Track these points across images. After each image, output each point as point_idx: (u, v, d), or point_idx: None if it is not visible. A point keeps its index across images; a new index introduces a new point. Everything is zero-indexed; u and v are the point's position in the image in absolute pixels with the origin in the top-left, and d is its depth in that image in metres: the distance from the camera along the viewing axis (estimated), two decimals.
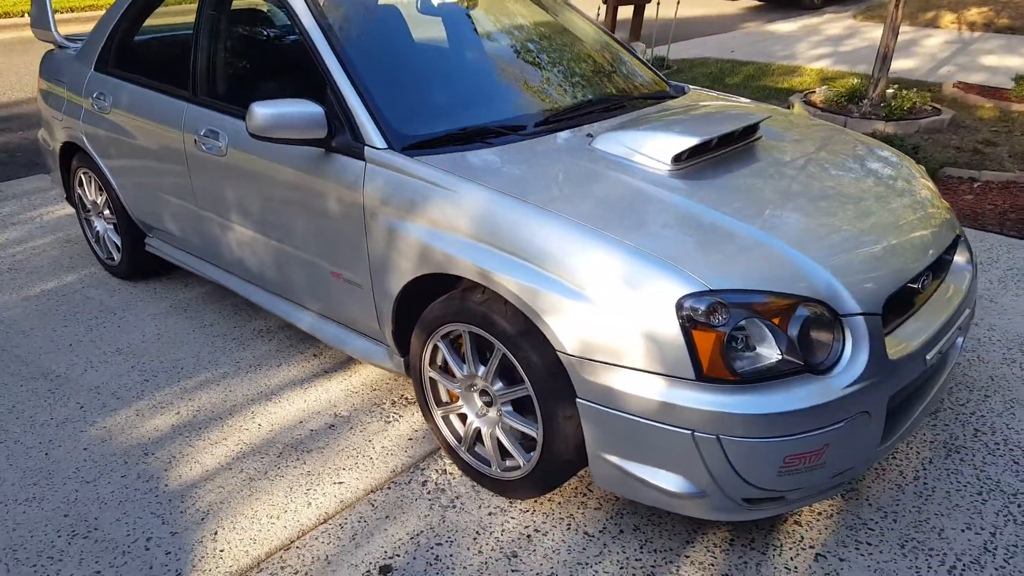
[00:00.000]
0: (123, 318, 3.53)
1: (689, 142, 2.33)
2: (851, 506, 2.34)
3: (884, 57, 5.90)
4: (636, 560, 2.14)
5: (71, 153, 3.83)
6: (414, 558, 2.16)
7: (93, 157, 3.58)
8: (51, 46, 3.94)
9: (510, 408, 2.27)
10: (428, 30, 2.87)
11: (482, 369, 2.27)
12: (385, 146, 2.38)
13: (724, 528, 2.26)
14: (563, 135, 2.53)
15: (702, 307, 1.85)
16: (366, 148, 2.40)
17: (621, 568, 2.11)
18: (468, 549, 2.19)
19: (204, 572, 2.13)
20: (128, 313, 3.57)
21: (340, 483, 2.46)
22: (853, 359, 1.93)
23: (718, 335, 1.84)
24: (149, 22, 3.58)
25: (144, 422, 2.79)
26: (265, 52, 2.91)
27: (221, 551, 2.21)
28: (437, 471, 2.51)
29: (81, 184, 3.85)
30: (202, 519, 2.33)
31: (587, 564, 2.13)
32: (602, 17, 8.01)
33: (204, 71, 3.00)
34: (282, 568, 2.14)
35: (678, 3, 9.23)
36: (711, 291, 1.86)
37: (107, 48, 3.51)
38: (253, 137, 2.39)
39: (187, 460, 2.59)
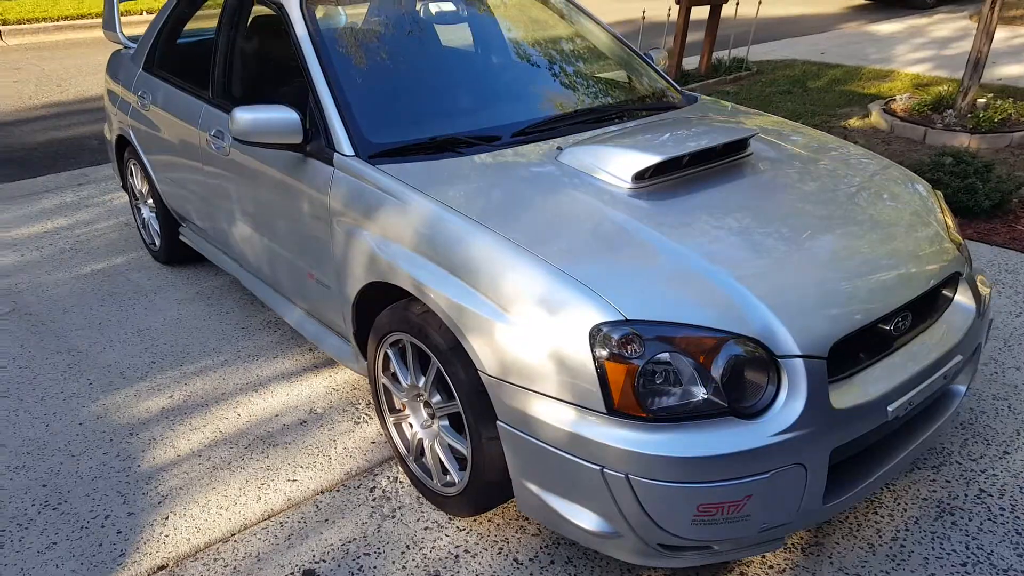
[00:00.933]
0: (152, 301, 3.71)
1: (651, 160, 2.22)
2: (810, 562, 2.16)
3: (976, 63, 5.42)
4: None
5: (124, 145, 4.06)
6: (339, 565, 2.16)
7: (137, 150, 3.79)
8: (119, 46, 4.20)
9: (447, 423, 2.24)
10: (422, 41, 2.86)
11: (423, 380, 2.25)
12: (352, 153, 2.39)
13: (660, 571, 2.14)
14: (534, 147, 2.46)
15: (616, 337, 1.75)
16: (335, 154, 2.42)
17: None
18: (393, 563, 2.17)
19: (145, 555, 2.21)
20: (158, 297, 3.76)
21: (294, 481, 2.50)
22: (787, 405, 1.78)
23: (631, 368, 1.74)
24: (193, 26, 3.75)
25: (138, 403, 2.93)
26: (269, 59, 2.99)
27: (166, 536, 2.28)
28: (388, 478, 2.50)
29: (131, 174, 4.09)
30: (159, 503, 2.42)
31: None
32: (674, 17, 7.77)
33: (219, 74, 3.11)
34: (215, 560, 2.19)
35: (759, 2, 8.84)
36: (627, 321, 1.76)
37: (152, 50, 3.70)
38: (236, 140, 2.45)
39: (164, 443, 2.69)
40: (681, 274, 1.88)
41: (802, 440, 1.77)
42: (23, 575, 2.15)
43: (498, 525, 2.30)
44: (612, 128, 2.63)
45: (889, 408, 1.90)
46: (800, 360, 1.78)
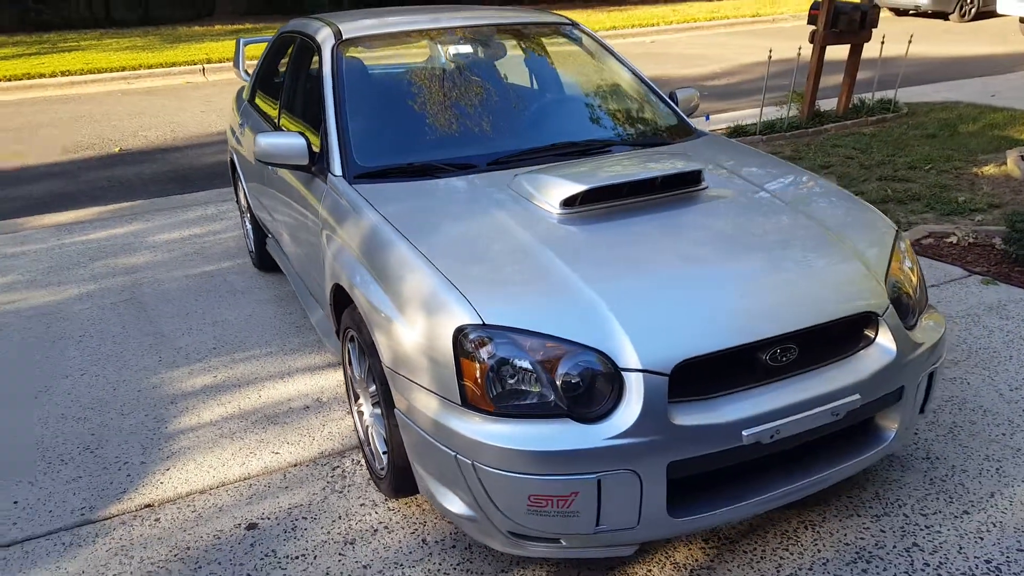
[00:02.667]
0: (237, 300, 4.31)
1: (577, 188, 2.40)
2: None
3: None
4: (443, 573, 2.27)
5: (234, 167, 4.76)
6: (278, 523, 2.50)
7: (237, 169, 4.44)
8: (245, 83, 4.93)
9: (379, 412, 2.52)
10: (426, 80, 3.20)
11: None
12: (340, 173, 2.78)
13: (545, 566, 2.28)
14: (497, 174, 2.71)
15: (472, 338, 1.97)
16: (328, 174, 2.82)
17: (427, 575, 2.26)
18: (322, 527, 2.47)
19: (139, 495, 2.68)
20: (244, 296, 4.36)
21: (276, 453, 2.88)
22: (624, 414, 1.90)
23: (482, 366, 1.95)
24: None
25: (188, 379, 3.46)
26: (312, 92, 3.45)
27: (161, 483, 2.74)
28: (352, 461, 2.82)
29: (238, 190, 4.77)
30: (167, 457, 2.89)
31: (401, 565, 2.30)
32: (805, 56, 7.58)
33: (282, 103, 3.64)
34: (188, 505, 2.61)
35: (909, 41, 8.37)
36: (484, 325, 1.97)
37: (253, 85, 4.35)
38: (259, 161, 2.93)
39: (193, 413, 3.19)
40: (555, 291, 2.05)
41: (634, 448, 1.89)
42: (49, 496, 2.68)
43: (424, 509, 2.54)
44: (583, 160, 2.83)
45: (745, 433, 1.95)
46: (641, 374, 1.90)
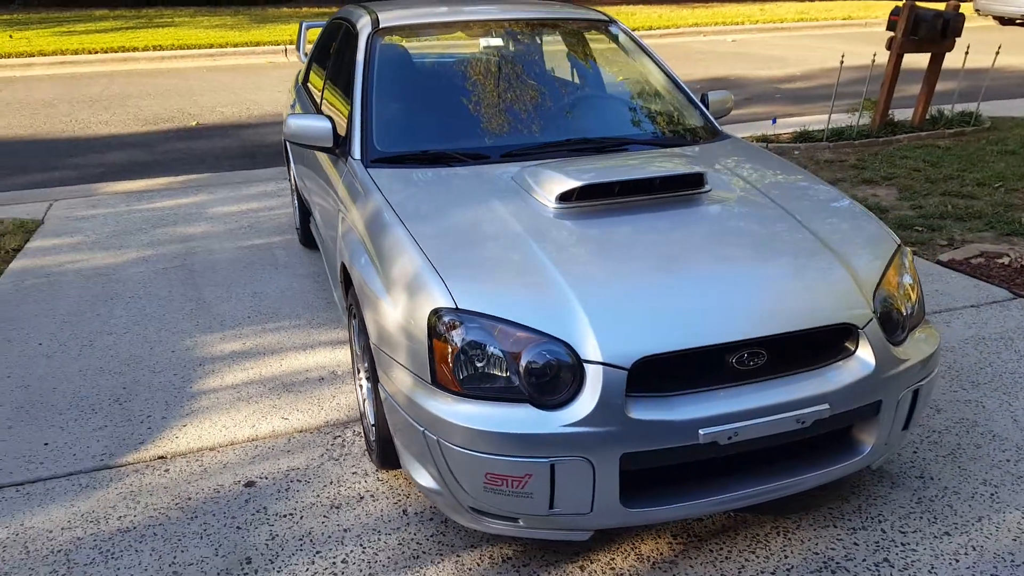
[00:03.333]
0: (279, 273, 4.52)
1: (573, 184, 2.46)
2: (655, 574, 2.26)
3: None
4: (416, 543, 2.37)
5: (287, 146, 4.97)
6: (274, 483, 2.66)
7: (287, 149, 4.64)
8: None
9: (370, 386, 2.65)
10: (453, 71, 3.30)
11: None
12: (359, 157, 2.91)
13: (514, 545, 2.36)
14: (505, 167, 2.78)
15: (445, 320, 2.06)
16: (349, 157, 2.95)
17: (400, 544, 2.37)
18: (313, 491, 2.62)
19: (155, 447, 2.88)
20: (284, 270, 4.56)
21: (285, 419, 3.05)
22: (582, 403, 1.96)
23: (452, 348, 2.04)
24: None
25: (220, 344, 3.67)
26: (347, 77, 3.58)
27: (176, 438, 2.94)
28: (354, 432, 2.95)
29: (290, 170, 4.98)
30: (187, 415, 3.09)
31: (379, 532, 2.42)
32: (880, 63, 7.35)
33: (325, 87, 3.80)
34: (196, 460, 2.80)
35: (997, 52, 7.98)
36: (456, 309, 2.06)
37: (306, 68, 4.54)
38: (287, 141, 3.09)
39: (217, 375, 3.39)
40: (531, 282, 2.13)
41: (588, 437, 1.95)
42: (75, 440, 2.91)
43: (409, 482, 2.65)
44: (594, 156, 2.88)
45: (701, 432, 1.98)
46: (601, 367, 1.96)
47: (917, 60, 7.82)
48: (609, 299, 2.07)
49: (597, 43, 3.60)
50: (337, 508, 2.53)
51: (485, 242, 2.30)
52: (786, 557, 2.31)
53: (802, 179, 2.85)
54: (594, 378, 1.96)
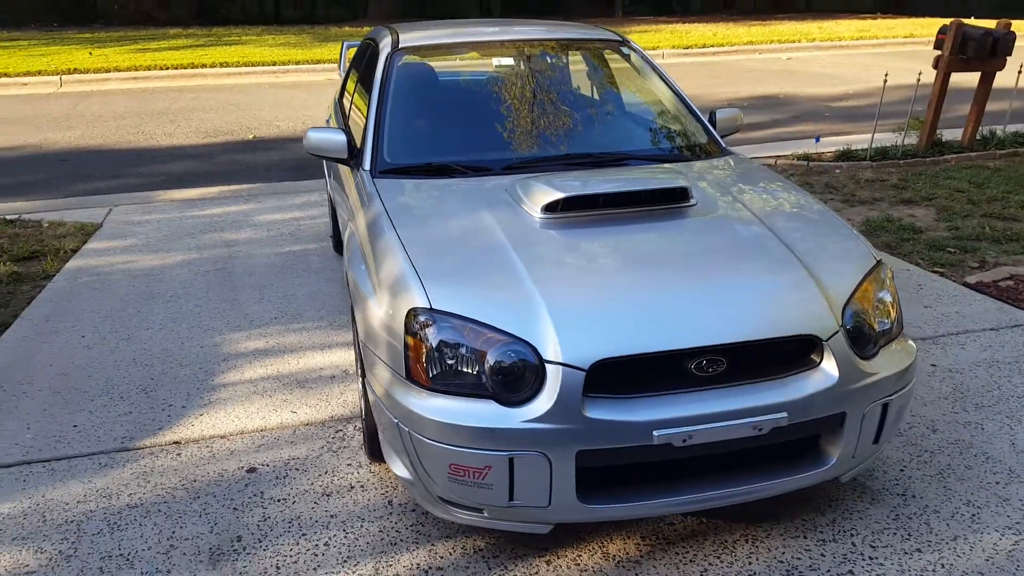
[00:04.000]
0: (310, 277, 4.74)
1: (557, 195, 2.57)
2: (618, 573, 2.33)
3: None
4: (396, 531, 2.51)
5: None
6: (273, 470, 2.83)
7: (325, 163, 4.88)
8: None
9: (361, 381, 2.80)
10: (464, 89, 3.45)
11: None
12: (369, 168, 3.08)
13: (486, 537, 2.47)
14: (502, 179, 2.91)
15: (420, 319, 2.20)
16: (360, 168, 3.13)
17: (381, 531, 2.50)
18: (308, 479, 2.78)
19: (172, 432, 3.09)
20: (318, 275, 4.78)
21: (294, 413, 3.23)
22: (541, 401, 2.07)
23: (425, 346, 2.18)
24: None
25: (244, 342, 3.89)
26: (367, 93, 3.78)
27: (192, 425, 3.15)
28: (355, 427, 3.11)
29: (327, 181, 5.22)
30: (205, 405, 3.30)
31: (363, 519, 2.56)
32: (925, 81, 7.22)
33: (351, 102, 4.01)
34: (207, 446, 2.99)
35: None
36: (431, 309, 2.20)
37: (342, 86, 4.77)
38: (309, 154, 3.29)
39: (237, 370, 3.60)
40: (504, 286, 2.25)
41: (546, 434, 2.05)
42: (101, 424, 3.14)
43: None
44: (590, 170, 2.99)
45: (655, 434, 2.07)
46: (560, 367, 2.07)
47: (971, 79, 7.65)
48: (574, 304, 2.18)
49: (608, 63, 3.72)
50: (328, 496, 2.68)
51: (468, 249, 2.44)
52: (750, 563, 2.36)
53: (793, 196, 2.90)
54: (554, 378, 2.07)
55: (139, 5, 18.13)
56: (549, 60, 3.70)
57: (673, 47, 14.48)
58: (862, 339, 2.32)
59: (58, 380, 3.51)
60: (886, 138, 7.88)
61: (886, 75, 7.53)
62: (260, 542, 2.46)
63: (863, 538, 2.46)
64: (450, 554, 2.40)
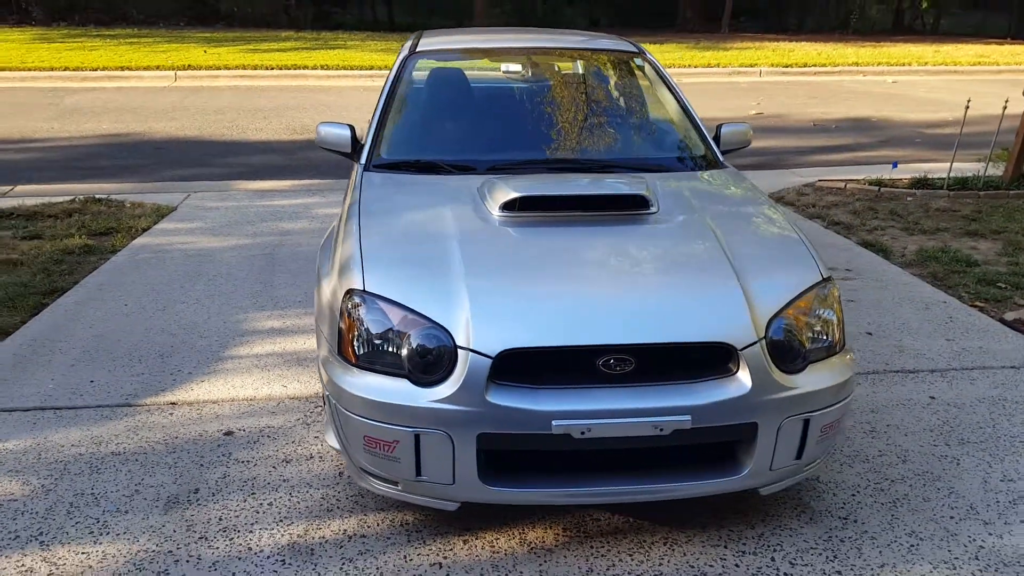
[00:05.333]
0: None
1: (513, 195, 2.68)
2: (523, 558, 2.41)
3: None
4: (335, 499, 2.67)
5: None
6: (249, 434, 3.06)
7: None
8: None
9: None
10: (465, 94, 3.60)
11: None
12: (364, 162, 3.28)
13: (416, 513, 2.60)
14: (482, 178, 3.02)
15: (353, 300, 2.37)
16: (358, 162, 3.34)
17: (323, 498, 2.67)
18: (275, 445, 2.99)
19: (172, 393, 3.37)
20: None
21: (284, 387, 3.46)
22: (448, 384, 2.19)
23: (353, 324, 2.34)
24: None
25: (266, 321, 4.17)
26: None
27: (192, 388, 3.42)
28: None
29: None
30: (211, 372, 3.57)
31: (311, 485, 2.74)
32: (1012, 111, 6.84)
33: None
34: (197, 409, 3.25)
35: None
36: (364, 291, 2.36)
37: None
38: (319, 147, 3.54)
39: (251, 345, 3.87)
40: (437, 276, 2.38)
41: (450, 414, 2.17)
42: (114, 381, 3.47)
43: None
44: (566, 174, 3.08)
45: (554, 423, 2.15)
46: (470, 353, 2.18)
47: None
48: (495, 297, 2.29)
49: (619, 73, 3.79)
50: (287, 462, 2.88)
51: (417, 240, 2.59)
52: (660, 565, 2.39)
53: (763, 213, 2.90)
54: (463, 363, 2.19)
55: (257, 8, 19.27)
56: (556, 68, 3.81)
57: (772, 65, 14.18)
58: (789, 352, 2.32)
59: (92, 341, 3.88)
60: (971, 168, 7.50)
61: (968, 101, 7.19)
62: (213, 496, 2.68)
63: (785, 555, 2.45)
64: (378, 525, 2.55)
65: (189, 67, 12.89)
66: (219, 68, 12.89)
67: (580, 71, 3.85)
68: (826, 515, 2.64)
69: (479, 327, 2.20)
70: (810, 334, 2.39)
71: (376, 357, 2.30)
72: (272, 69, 12.96)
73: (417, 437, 2.20)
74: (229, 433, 3.08)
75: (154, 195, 6.80)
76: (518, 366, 2.22)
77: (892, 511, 2.66)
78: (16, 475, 2.78)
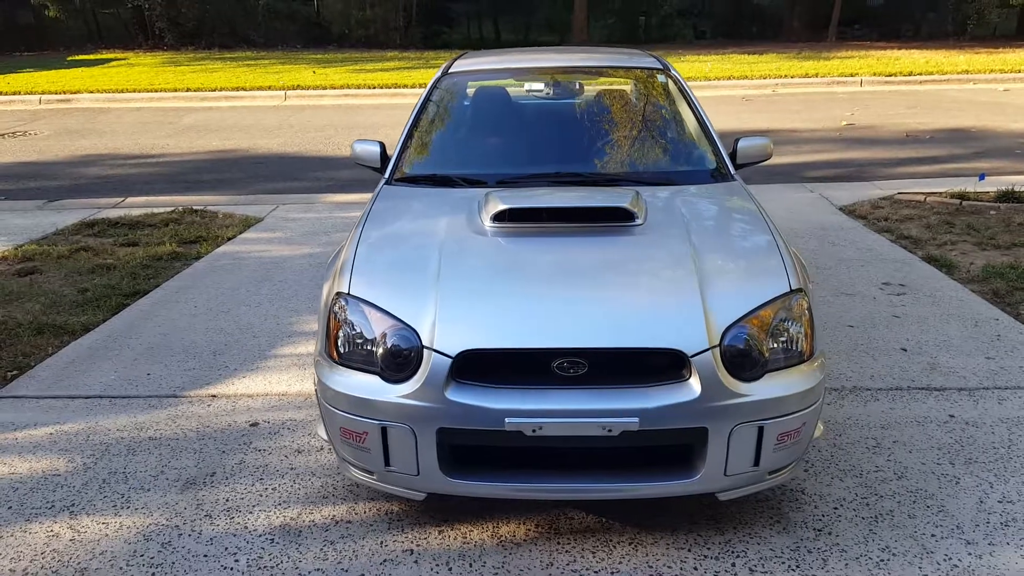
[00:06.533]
0: None
1: (503, 206, 2.84)
2: (484, 549, 2.55)
3: None
4: (332, 487, 2.90)
5: None
6: (270, 427, 3.35)
7: None
8: None
9: None
10: (491, 109, 3.79)
11: None
12: (388, 177, 3.54)
13: (400, 505, 2.78)
14: (480, 191, 3.20)
15: (340, 303, 2.60)
16: (383, 176, 3.59)
17: (322, 486, 2.91)
18: (292, 437, 3.25)
19: (215, 388, 3.72)
20: None
21: (302, 381, 3.74)
22: (413, 381, 2.38)
23: (339, 324, 2.57)
24: None
25: (313, 323, 4.49)
26: None
27: (232, 383, 3.75)
28: None
29: None
30: (251, 369, 3.90)
31: (315, 475, 2.98)
32: None
33: None
34: (231, 400, 3.57)
35: None
36: (349, 294, 2.59)
37: None
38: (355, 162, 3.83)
39: (292, 346, 4.19)
40: (416, 281, 2.58)
41: (412, 409, 2.36)
42: (167, 375, 3.85)
43: None
44: (568, 187, 3.22)
45: (507, 420, 2.29)
46: (434, 353, 2.36)
47: None
48: (462, 301, 2.46)
49: (637, 89, 3.88)
50: (299, 453, 3.15)
51: (406, 247, 2.80)
52: (619, 564, 2.48)
53: (750, 224, 2.93)
54: (427, 361, 2.37)
55: (370, 29, 20.20)
56: (577, 86, 3.94)
57: (874, 74, 13.66)
58: (745, 361, 2.37)
59: (157, 338, 4.31)
60: None
61: None
62: (226, 479, 2.97)
63: (746, 561, 2.48)
64: (365, 512, 2.76)
65: (298, 87, 13.72)
66: (325, 88, 13.65)
67: (601, 88, 3.96)
68: (800, 526, 2.64)
69: (443, 329, 2.38)
70: (772, 344, 2.43)
71: (355, 355, 2.52)
72: (372, 88, 13.61)
73: (384, 429, 2.40)
74: (255, 424, 3.37)
75: (246, 207, 7.34)
76: (478, 366, 2.37)
77: (871, 526, 2.64)
78: (64, 453, 3.17)
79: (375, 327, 2.49)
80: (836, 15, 20.60)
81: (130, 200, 7.66)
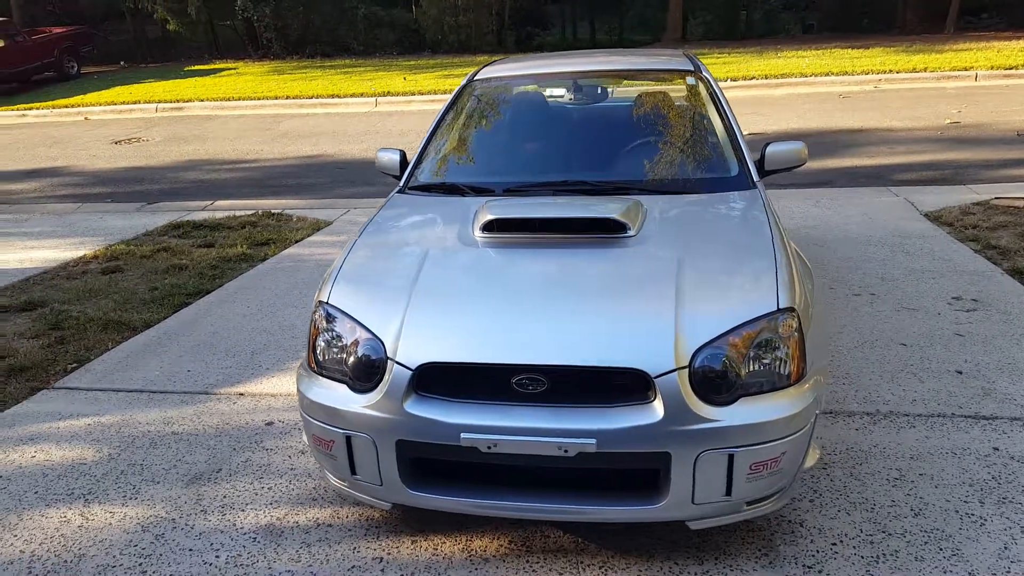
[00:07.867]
0: None
1: (490, 217, 2.81)
2: (458, 557, 2.53)
3: None
4: (322, 491, 2.95)
5: None
6: (284, 426, 3.44)
7: None
8: None
9: None
10: (513, 115, 3.74)
11: None
12: (403, 185, 3.57)
13: (377, 512, 2.80)
14: (480, 200, 3.16)
15: (319, 312, 2.64)
16: (399, 184, 3.63)
17: (313, 488, 2.96)
18: (299, 439, 3.34)
19: (243, 386, 3.86)
20: None
21: None
22: (376, 392, 2.39)
23: (318, 333, 2.62)
24: None
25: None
26: None
27: (260, 382, 3.89)
28: None
29: None
30: (280, 369, 4.02)
31: (310, 476, 3.05)
32: None
33: None
34: (254, 399, 3.71)
35: None
36: (328, 303, 2.63)
37: None
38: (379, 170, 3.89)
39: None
40: (392, 291, 2.59)
41: (373, 420, 2.37)
42: (205, 372, 4.03)
43: None
44: (569, 196, 3.15)
45: (462, 436, 2.26)
46: (396, 365, 2.37)
47: None
48: (429, 314, 2.45)
49: (662, 93, 3.75)
50: (302, 453, 3.22)
51: (393, 257, 2.82)
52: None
53: (752, 236, 2.76)
54: (390, 373, 2.37)
55: (460, 35, 20.44)
56: (600, 91, 3.84)
57: (992, 67, 12.67)
58: (717, 383, 2.25)
59: (206, 336, 4.52)
60: None
61: None
62: (229, 476, 3.08)
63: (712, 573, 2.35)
64: (347, 517, 2.79)
65: (388, 93, 14.07)
66: (413, 93, 13.93)
67: (624, 93, 3.85)
68: (789, 561, 2.48)
69: (406, 341, 2.38)
70: (752, 366, 2.29)
71: (328, 364, 2.55)
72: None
73: (348, 439, 2.42)
74: (270, 423, 3.48)
75: (321, 211, 7.59)
76: (440, 379, 2.36)
77: (869, 567, 2.44)
78: (94, 443, 3.37)
79: (347, 337, 2.51)
80: (956, 5, 19.14)
81: (218, 203, 8.06)
